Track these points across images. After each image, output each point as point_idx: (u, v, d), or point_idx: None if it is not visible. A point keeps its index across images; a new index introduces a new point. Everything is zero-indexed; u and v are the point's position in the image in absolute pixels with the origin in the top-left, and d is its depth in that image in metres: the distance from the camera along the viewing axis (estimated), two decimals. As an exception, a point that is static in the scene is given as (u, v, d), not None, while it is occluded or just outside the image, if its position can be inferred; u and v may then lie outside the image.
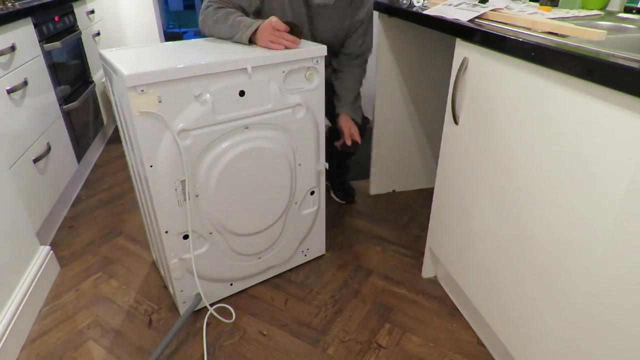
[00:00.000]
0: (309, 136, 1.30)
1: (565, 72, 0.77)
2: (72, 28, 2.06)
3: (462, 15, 1.11)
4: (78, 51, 2.13)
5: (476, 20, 1.08)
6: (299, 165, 1.32)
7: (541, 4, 1.21)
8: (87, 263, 1.55)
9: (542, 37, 0.86)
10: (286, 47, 1.17)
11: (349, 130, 1.53)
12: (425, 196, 1.94)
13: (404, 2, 1.38)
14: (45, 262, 1.41)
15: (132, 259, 1.57)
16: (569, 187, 0.80)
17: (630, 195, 0.68)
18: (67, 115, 1.86)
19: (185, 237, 1.20)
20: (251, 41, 1.22)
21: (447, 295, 1.40)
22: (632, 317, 0.71)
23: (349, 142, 1.53)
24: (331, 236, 1.67)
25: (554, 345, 0.90)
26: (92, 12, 2.36)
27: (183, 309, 1.30)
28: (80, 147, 1.99)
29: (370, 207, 1.87)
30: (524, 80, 0.88)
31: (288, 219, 1.39)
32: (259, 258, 1.38)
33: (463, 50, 1.08)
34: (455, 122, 1.15)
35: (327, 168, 1.40)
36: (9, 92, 1.40)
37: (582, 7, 1.20)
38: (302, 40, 1.22)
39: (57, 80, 1.81)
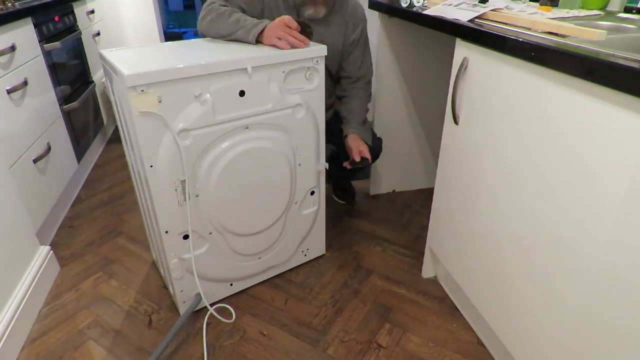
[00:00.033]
0: (309, 136, 1.30)
1: (565, 72, 0.77)
2: (72, 28, 2.06)
3: (462, 15, 1.11)
4: (78, 51, 2.13)
5: (476, 20, 1.08)
6: (299, 165, 1.32)
7: (541, 4, 1.21)
8: (87, 263, 1.55)
9: (542, 37, 0.86)
10: (293, 46, 1.16)
11: (358, 148, 1.43)
12: (425, 196, 1.94)
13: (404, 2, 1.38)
14: (45, 262, 1.41)
15: (132, 259, 1.57)
16: (569, 187, 0.80)
17: (630, 195, 0.68)
18: (67, 115, 1.86)
19: (185, 237, 1.20)
20: (257, 40, 1.21)
21: (447, 295, 1.40)
22: (632, 318, 0.71)
23: (357, 159, 1.43)
24: (331, 236, 1.67)
25: (554, 345, 0.90)
26: (92, 12, 2.36)
27: (183, 309, 1.30)
28: (80, 147, 1.99)
29: (370, 207, 1.87)
30: (524, 80, 0.88)
31: (288, 219, 1.39)
32: (259, 258, 1.38)
33: (463, 50, 1.08)
34: (455, 122, 1.15)
35: (327, 168, 1.40)
36: (9, 92, 1.40)
37: (582, 7, 1.20)
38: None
39: (57, 80, 1.81)
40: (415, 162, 1.94)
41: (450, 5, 1.21)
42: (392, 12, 1.46)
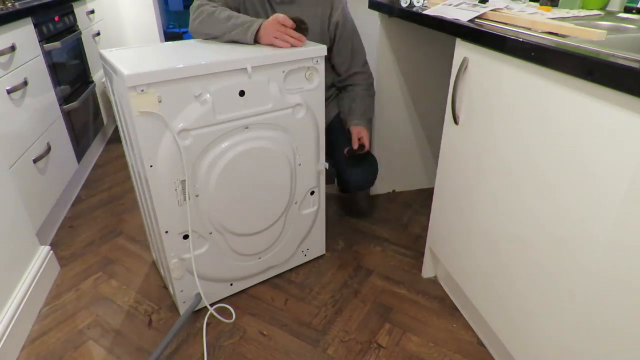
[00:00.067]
0: (309, 136, 1.30)
1: (565, 72, 0.77)
2: (72, 28, 2.06)
3: (462, 15, 1.11)
4: (78, 51, 2.13)
5: (476, 20, 1.08)
6: (299, 165, 1.32)
7: (541, 4, 1.21)
8: (87, 263, 1.55)
9: (542, 37, 0.86)
10: (292, 45, 1.16)
11: (358, 134, 1.47)
12: (425, 196, 1.94)
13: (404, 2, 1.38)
14: (45, 262, 1.41)
15: (132, 259, 1.57)
16: (569, 187, 0.80)
17: (630, 195, 0.68)
18: (67, 115, 1.86)
19: (185, 237, 1.20)
20: (255, 40, 1.21)
21: (447, 295, 1.40)
22: (632, 318, 0.71)
23: (355, 146, 1.47)
24: (331, 236, 1.67)
25: (554, 345, 0.90)
26: (92, 12, 2.36)
27: (183, 309, 1.30)
28: (80, 147, 1.99)
29: (370, 207, 1.87)
30: (524, 80, 0.88)
31: (288, 219, 1.39)
32: (259, 258, 1.38)
33: (463, 50, 1.08)
34: (455, 122, 1.15)
35: (327, 168, 1.40)
36: (9, 92, 1.40)
37: (582, 7, 1.20)
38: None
39: (57, 80, 1.81)
40: (415, 162, 1.94)
41: (450, 5, 1.21)
42: (392, 12, 1.46)
